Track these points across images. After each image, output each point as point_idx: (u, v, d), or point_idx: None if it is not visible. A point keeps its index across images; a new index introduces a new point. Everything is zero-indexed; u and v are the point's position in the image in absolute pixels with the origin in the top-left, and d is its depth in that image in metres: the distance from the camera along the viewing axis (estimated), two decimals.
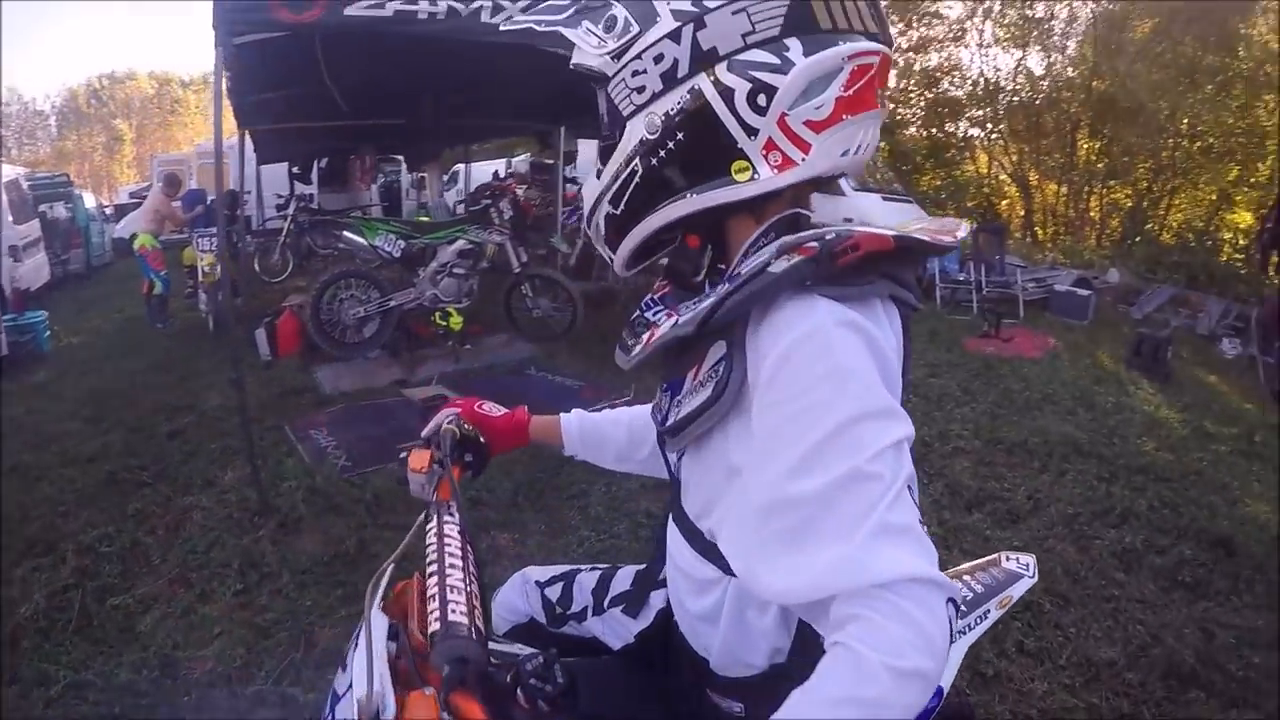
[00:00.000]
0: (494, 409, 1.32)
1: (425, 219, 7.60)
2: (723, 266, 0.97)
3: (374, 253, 5.91)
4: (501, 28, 0.93)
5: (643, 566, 1.30)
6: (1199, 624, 2.88)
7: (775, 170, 0.85)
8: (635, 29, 0.86)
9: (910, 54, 18.18)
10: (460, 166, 12.46)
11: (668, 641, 1.17)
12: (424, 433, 1.27)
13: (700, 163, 0.87)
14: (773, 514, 0.78)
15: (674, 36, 0.84)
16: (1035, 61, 18.18)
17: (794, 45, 0.82)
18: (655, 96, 0.86)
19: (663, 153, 0.87)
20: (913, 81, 18.46)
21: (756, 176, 0.85)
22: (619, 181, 0.92)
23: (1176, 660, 2.68)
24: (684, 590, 1.04)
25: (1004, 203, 19.51)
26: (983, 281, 9.66)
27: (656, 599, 1.23)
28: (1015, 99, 17.85)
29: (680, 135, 0.86)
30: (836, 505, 0.73)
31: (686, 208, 0.89)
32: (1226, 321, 10.25)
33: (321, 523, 3.19)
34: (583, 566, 1.38)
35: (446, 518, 1.07)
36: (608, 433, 1.32)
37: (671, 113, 0.85)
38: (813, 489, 0.73)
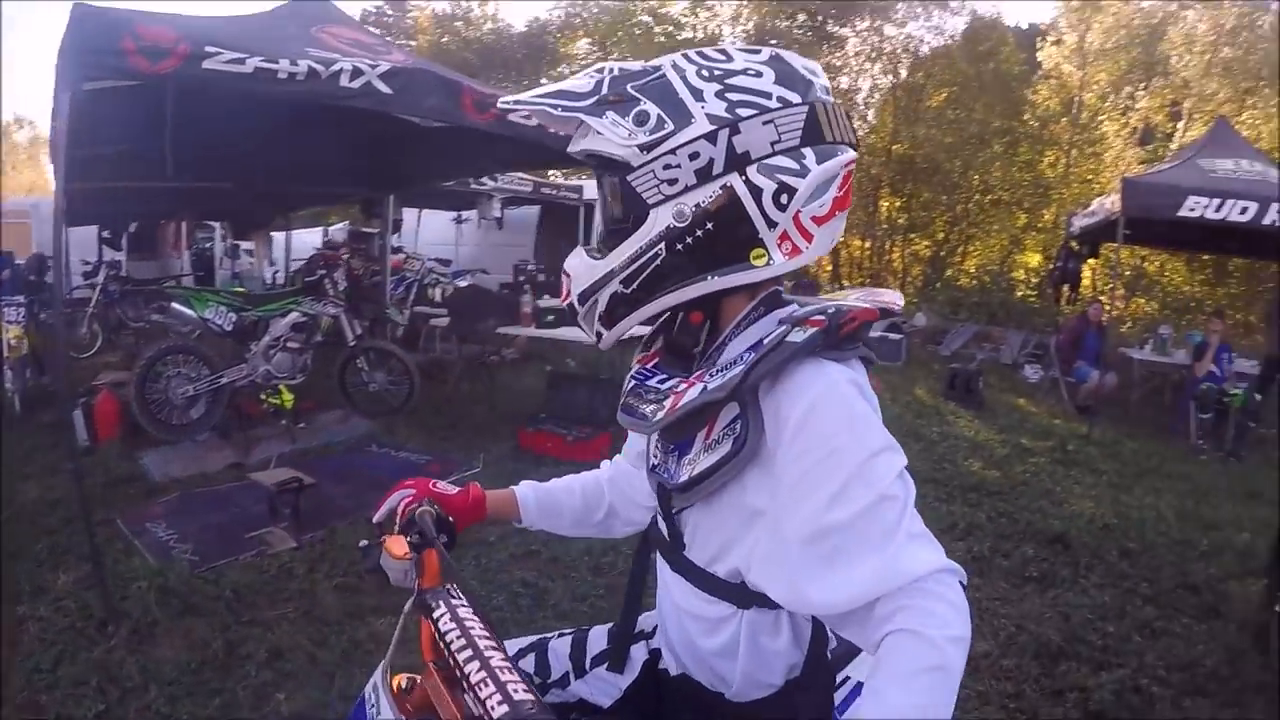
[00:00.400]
0: (448, 487, 1.29)
1: (241, 290, 7.11)
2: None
3: (203, 325, 5.44)
4: (500, 105, 0.92)
5: (613, 625, 1.33)
6: (1055, 608, 3.28)
7: (786, 257, 0.97)
8: (670, 126, 0.94)
9: None
10: (278, 235, 11.96)
11: (658, 690, 1.23)
12: (376, 518, 1.25)
13: (723, 249, 0.96)
14: (814, 542, 0.89)
15: (710, 138, 0.92)
16: None
17: (809, 153, 0.94)
18: (688, 189, 0.94)
19: (690, 239, 0.95)
20: None
21: (771, 262, 0.96)
22: (637, 263, 0.99)
23: (1043, 641, 3.06)
24: (695, 632, 1.11)
25: (843, 256, 21.34)
26: None
27: (637, 652, 1.27)
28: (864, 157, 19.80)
29: (709, 225, 0.94)
30: (868, 526, 0.86)
31: (706, 288, 0.98)
32: (1026, 351, 11.85)
33: (180, 626, 2.84)
34: (549, 635, 1.36)
35: (454, 600, 1.04)
36: (563, 501, 1.36)
37: (702, 204, 0.94)
38: (847, 517, 0.86)
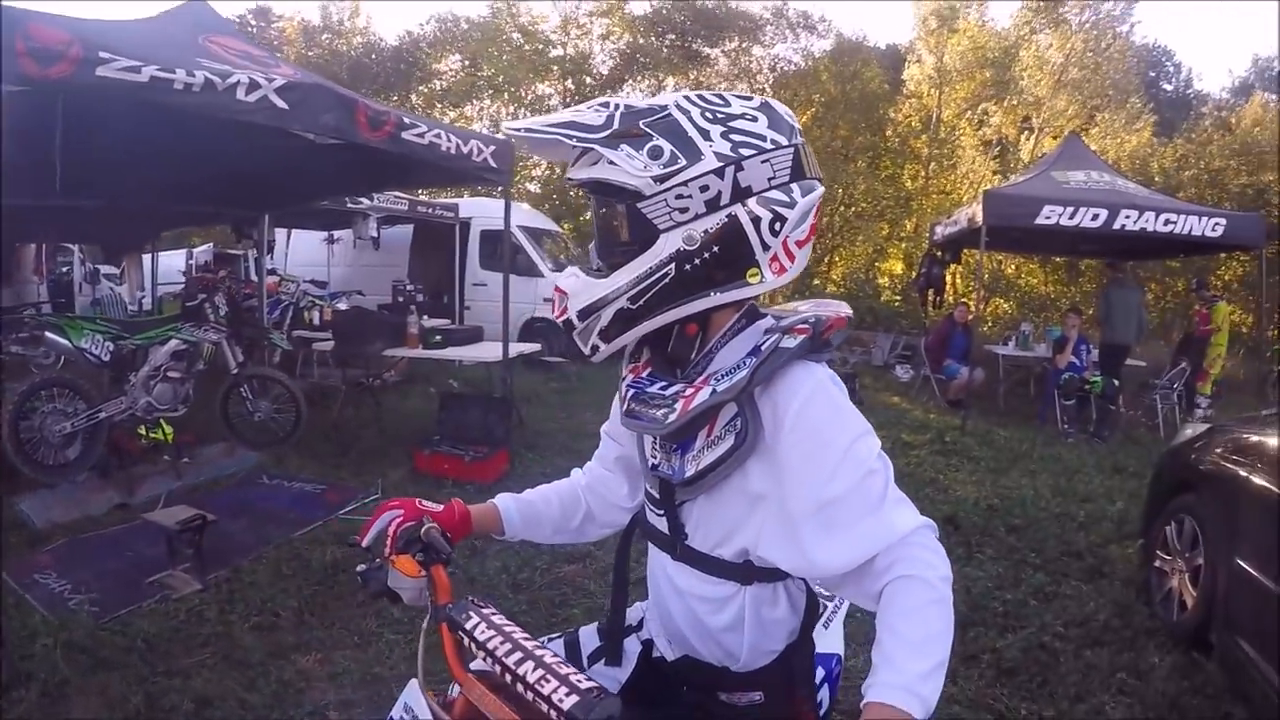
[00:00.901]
0: (433, 505, 1.33)
1: (103, 317, 6.59)
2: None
3: (79, 355, 5.03)
4: (508, 129, 0.97)
5: (600, 623, 1.44)
6: (956, 582, 3.61)
7: (775, 275, 1.12)
8: (682, 161, 1.07)
9: None
10: (147, 258, 11.09)
11: (656, 677, 1.34)
12: (365, 542, 1.29)
13: (724, 269, 1.10)
14: (816, 514, 1.06)
15: (718, 173, 1.07)
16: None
17: (795, 187, 1.11)
18: (697, 217, 1.08)
19: (697, 260, 1.09)
20: None
21: (763, 281, 1.12)
22: (646, 281, 1.10)
23: None
24: (703, 613, 1.22)
25: None
26: None
27: (630, 645, 1.38)
28: None
29: (715, 248, 1.09)
30: (860, 497, 1.05)
31: (709, 304, 1.12)
32: (896, 352, 12.68)
33: (93, 683, 2.63)
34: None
35: (485, 609, 1.11)
36: (543, 510, 1.43)
37: (710, 230, 1.08)
38: (842, 490, 1.04)
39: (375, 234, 9.87)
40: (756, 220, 1.08)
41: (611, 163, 1.07)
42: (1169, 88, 27.00)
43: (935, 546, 1.05)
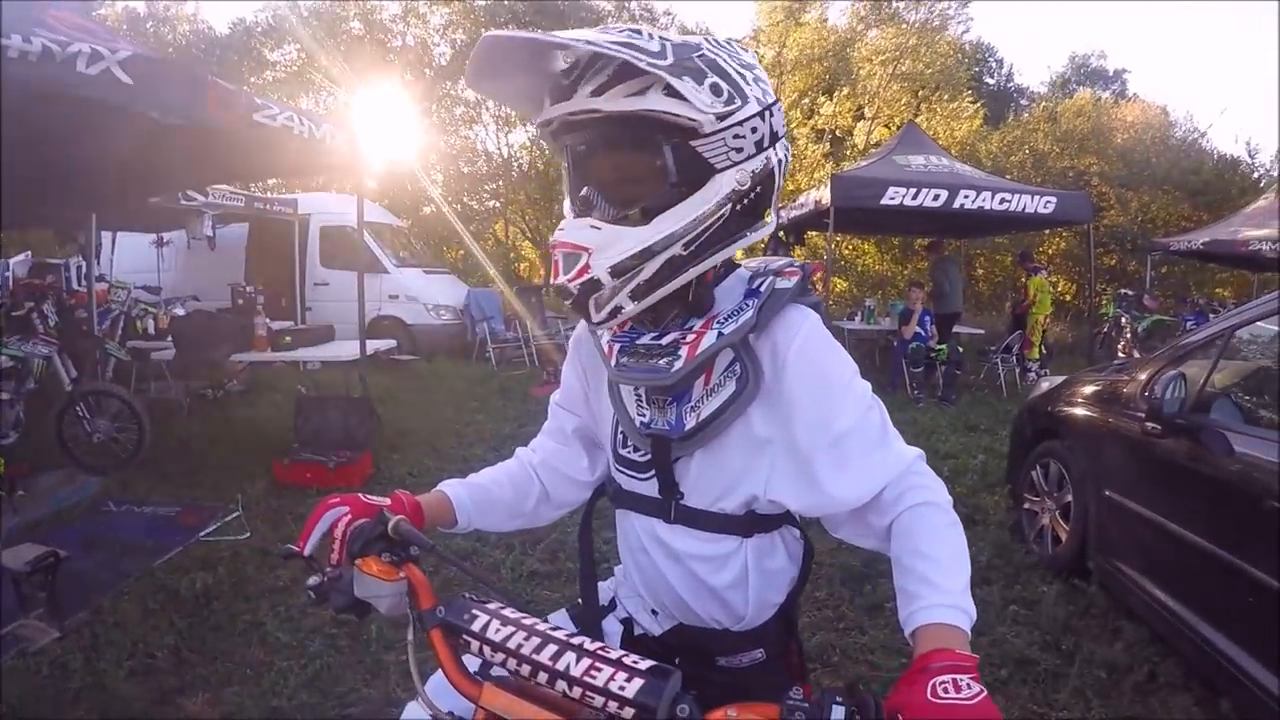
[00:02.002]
0: (376, 498, 1.16)
1: None
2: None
3: None
4: (569, 38, 0.81)
5: (571, 607, 1.38)
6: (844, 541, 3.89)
7: (775, 218, 1.15)
8: (738, 101, 1.03)
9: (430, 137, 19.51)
10: None
11: (644, 654, 1.29)
12: (308, 550, 1.09)
13: (754, 211, 1.09)
14: (830, 448, 1.07)
15: (762, 116, 1.05)
16: None
17: (783, 141, 1.13)
18: (749, 157, 1.05)
19: (745, 202, 1.06)
20: (435, 160, 19.72)
21: (772, 223, 1.13)
22: (705, 224, 1.04)
23: (847, 568, 3.72)
24: (704, 573, 1.18)
25: (524, 265, 21.77)
26: (530, 337, 11.03)
27: (609, 626, 1.32)
28: (531, 170, 20.14)
29: (758, 189, 1.07)
30: (865, 430, 1.07)
31: (744, 244, 1.10)
32: None
33: None
34: None
35: (489, 605, 0.99)
36: (496, 494, 1.32)
37: (757, 171, 1.06)
38: (849, 424, 1.06)
39: (211, 233, 9.21)
40: (779, 164, 1.10)
41: (676, 95, 0.98)
42: (991, 81, 29.28)
43: (933, 474, 1.09)
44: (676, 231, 1.03)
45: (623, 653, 0.89)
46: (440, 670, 0.97)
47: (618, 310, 1.06)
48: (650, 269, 1.04)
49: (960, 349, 9.23)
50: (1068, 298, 17.85)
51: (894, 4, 21.25)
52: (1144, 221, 18.94)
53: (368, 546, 1.06)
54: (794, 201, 11.22)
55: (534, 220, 20.81)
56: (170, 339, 6.87)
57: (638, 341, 1.12)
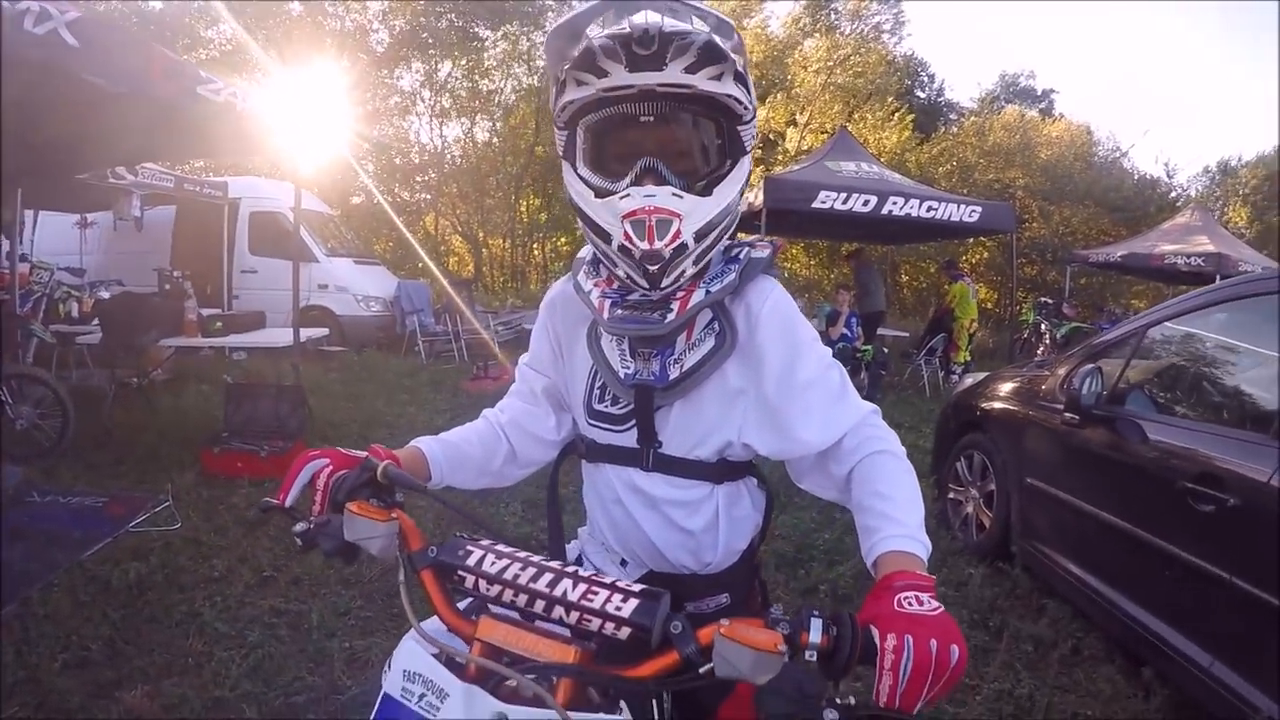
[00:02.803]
0: (353, 451, 1.20)
1: None
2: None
3: None
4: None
5: None
6: (777, 530, 4.07)
7: None
8: (753, 96, 1.16)
9: (361, 123, 19.07)
10: None
11: None
12: (289, 501, 1.13)
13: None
14: (796, 396, 1.18)
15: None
16: (481, 130, 20.59)
17: None
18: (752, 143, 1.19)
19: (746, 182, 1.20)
20: (363, 149, 19.30)
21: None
22: (739, 199, 1.17)
23: (781, 554, 3.91)
24: (679, 518, 1.26)
25: (453, 259, 21.58)
26: (460, 330, 10.99)
27: None
28: (463, 163, 19.93)
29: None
30: (828, 383, 1.19)
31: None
32: None
33: None
34: None
35: (483, 540, 1.03)
36: (467, 452, 1.35)
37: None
38: (814, 374, 1.19)
39: (139, 214, 8.88)
40: None
41: (742, 82, 1.09)
42: (923, 95, 30.02)
43: (887, 427, 1.21)
44: (729, 204, 1.13)
45: (615, 579, 0.96)
46: (435, 615, 1.01)
47: (681, 275, 1.13)
48: (712, 236, 1.13)
49: (885, 350, 9.54)
50: (990, 305, 18.58)
51: (831, 16, 21.78)
52: (1065, 234, 19.91)
53: (355, 493, 1.09)
54: None
55: (465, 214, 20.65)
56: (97, 322, 6.58)
57: (628, 297, 1.18)
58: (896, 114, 21.95)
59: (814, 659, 0.83)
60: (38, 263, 7.49)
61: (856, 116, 21.53)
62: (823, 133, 20.06)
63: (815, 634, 0.82)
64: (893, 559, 1.00)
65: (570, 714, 0.87)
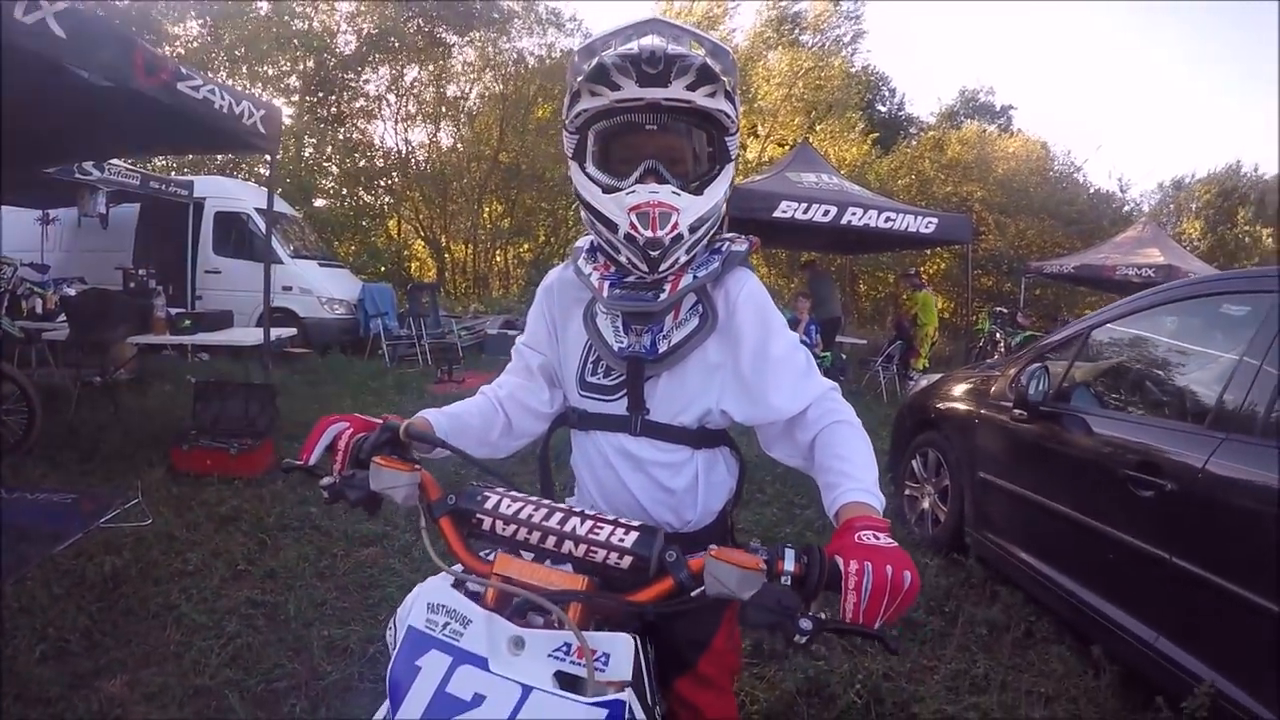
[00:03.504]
0: (369, 417, 1.34)
1: None
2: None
3: None
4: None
5: None
6: (744, 522, 4.15)
7: None
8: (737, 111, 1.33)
9: (326, 126, 18.98)
10: None
11: None
12: (313, 459, 1.26)
13: None
14: (769, 369, 1.35)
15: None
16: (446, 135, 20.54)
17: None
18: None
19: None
20: (328, 152, 19.23)
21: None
22: (724, 199, 1.33)
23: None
24: (663, 478, 1.41)
25: (415, 264, 21.53)
26: (424, 334, 11.07)
27: None
28: (427, 168, 19.88)
29: None
30: (795, 360, 1.36)
31: None
32: None
33: None
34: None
35: (498, 487, 1.19)
36: (467, 422, 1.48)
37: None
38: (783, 351, 1.36)
39: (104, 210, 8.76)
40: None
41: (730, 99, 1.27)
42: (884, 110, 30.52)
43: (845, 402, 1.37)
44: (717, 202, 1.31)
45: (615, 517, 1.12)
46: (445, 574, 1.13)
47: (676, 261, 1.30)
48: (703, 229, 1.31)
49: (844, 356, 9.75)
50: (946, 314, 19.01)
51: (795, 30, 22.13)
52: (1021, 246, 20.46)
53: (377, 449, 1.22)
54: None
55: (428, 219, 20.61)
56: (63, 318, 6.49)
57: (625, 279, 1.34)
58: (857, 129, 22.38)
59: (789, 584, 0.97)
60: (0, 258, 7.36)
61: (819, 128, 21.92)
62: (784, 145, 20.39)
63: (789, 562, 0.98)
64: (852, 507, 1.14)
65: (585, 634, 0.98)
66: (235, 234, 10.86)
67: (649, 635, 1.30)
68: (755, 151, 21.59)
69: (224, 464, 4.87)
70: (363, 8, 18.80)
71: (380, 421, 1.30)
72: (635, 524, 1.09)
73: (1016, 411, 3.50)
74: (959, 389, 4.34)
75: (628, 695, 0.98)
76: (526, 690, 0.96)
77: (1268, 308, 2.57)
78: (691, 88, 1.22)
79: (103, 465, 4.99)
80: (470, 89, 20.60)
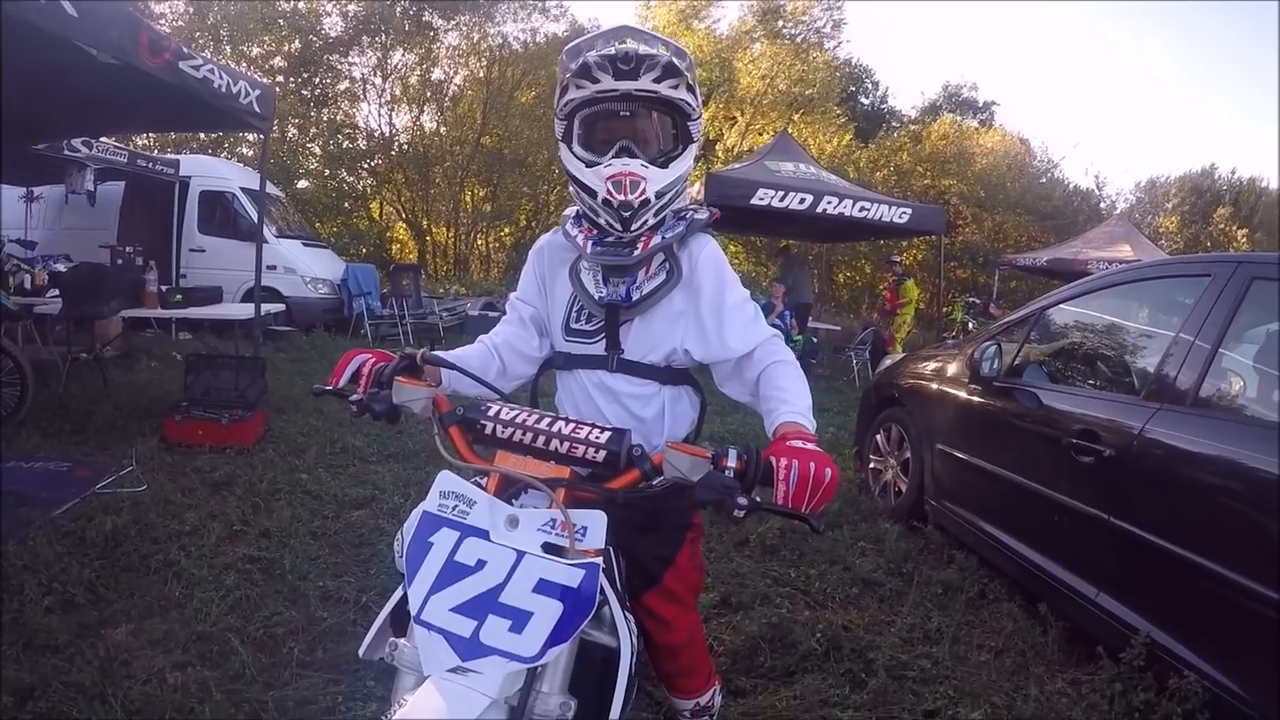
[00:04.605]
0: (387, 351, 1.60)
1: None
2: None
3: None
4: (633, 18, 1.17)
5: None
6: None
7: None
8: (700, 100, 1.60)
9: (310, 107, 18.88)
10: None
11: None
12: (342, 383, 1.53)
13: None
14: (725, 314, 1.61)
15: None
16: (430, 119, 20.49)
17: None
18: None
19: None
20: (312, 134, 19.14)
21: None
22: (686, 173, 1.59)
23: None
24: (635, 408, 1.67)
25: (396, 246, 21.55)
26: (405, 315, 11.21)
27: None
28: (410, 150, 19.86)
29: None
30: (746, 308, 1.64)
31: None
32: None
33: None
34: None
35: (496, 403, 1.42)
36: (470, 364, 1.69)
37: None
38: (737, 301, 1.63)
39: (92, 188, 8.78)
40: None
41: (691, 90, 1.54)
42: (866, 101, 30.72)
43: (785, 346, 1.64)
44: (680, 175, 1.58)
45: (593, 422, 1.38)
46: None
47: (644, 223, 1.55)
48: (667, 197, 1.57)
49: (814, 340, 10.00)
50: (921, 304, 19.33)
51: (779, 22, 22.23)
52: (997, 239, 20.77)
53: (398, 372, 1.49)
54: None
55: (410, 201, 20.65)
56: (55, 293, 6.54)
57: (604, 240, 1.60)
58: (838, 122, 22.57)
59: (731, 475, 1.21)
60: None
61: (798, 119, 22.09)
62: (764, 134, 20.56)
63: (732, 459, 1.22)
64: (786, 424, 1.40)
65: (568, 511, 1.25)
66: (220, 212, 10.88)
67: (620, 551, 1.51)
68: (735, 140, 21.71)
69: (215, 434, 4.99)
70: None
71: (397, 355, 1.56)
72: (609, 426, 1.36)
73: (972, 387, 3.72)
74: (920, 367, 4.56)
75: (600, 560, 1.22)
76: (520, 555, 1.21)
77: (1199, 291, 2.78)
78: (658, 81, 1.48)
79: (95, 436, 5.09)
80: (455, 73, 20.61)
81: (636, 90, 1.50)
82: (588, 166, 1.54)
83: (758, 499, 1.19)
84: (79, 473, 4.40)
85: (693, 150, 1.60)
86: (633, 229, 1.55)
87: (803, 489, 1.20)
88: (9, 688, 2.37)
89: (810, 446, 1.26)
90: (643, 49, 1.47)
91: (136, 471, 4.37)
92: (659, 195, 1.54)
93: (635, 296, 1.60)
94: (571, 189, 1.61)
